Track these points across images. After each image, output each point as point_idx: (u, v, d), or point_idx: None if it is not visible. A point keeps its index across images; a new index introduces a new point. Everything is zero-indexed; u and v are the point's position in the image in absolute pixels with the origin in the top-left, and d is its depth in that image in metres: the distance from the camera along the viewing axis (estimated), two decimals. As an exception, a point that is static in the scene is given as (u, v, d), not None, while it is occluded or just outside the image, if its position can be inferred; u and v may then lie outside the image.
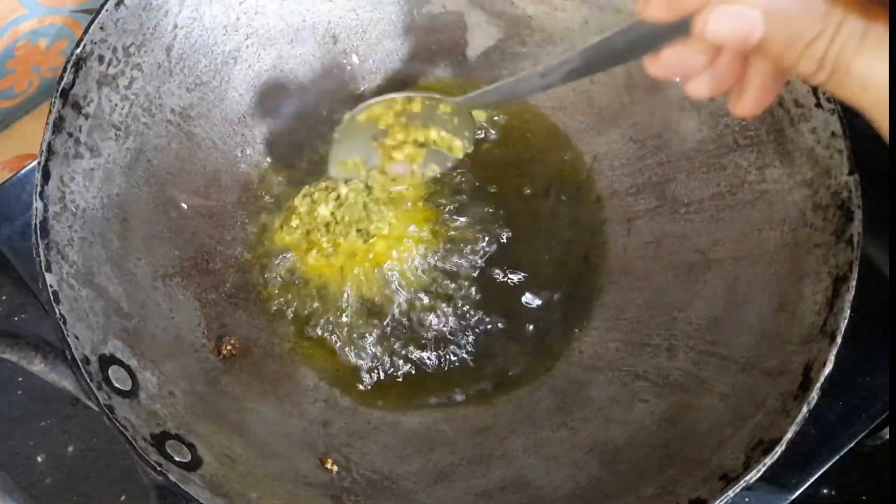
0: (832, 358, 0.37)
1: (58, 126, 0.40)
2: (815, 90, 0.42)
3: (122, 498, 0.50)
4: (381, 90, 0.54)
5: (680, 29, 0.27)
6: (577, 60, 0.33)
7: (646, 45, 0.29)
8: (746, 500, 0.48)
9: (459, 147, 0.46)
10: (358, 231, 0.49)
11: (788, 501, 0.48)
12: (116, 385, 0.38)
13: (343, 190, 0.49)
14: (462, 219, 0.50)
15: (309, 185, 0.50)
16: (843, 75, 0.24)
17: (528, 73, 0.37)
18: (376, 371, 0.47)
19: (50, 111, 0.40)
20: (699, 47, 0.28)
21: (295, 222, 0.49)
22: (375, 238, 0.49)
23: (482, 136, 0.52)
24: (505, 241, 0.50)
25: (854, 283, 0.38)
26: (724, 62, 0.28)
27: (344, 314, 0.48)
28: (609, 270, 0.49)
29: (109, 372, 0.38)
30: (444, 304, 0.48)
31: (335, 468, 0.43)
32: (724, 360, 0.42)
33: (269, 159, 0.52)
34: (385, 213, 0.49)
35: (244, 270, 0.49)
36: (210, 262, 0.48)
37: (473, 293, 0.49)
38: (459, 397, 0.47)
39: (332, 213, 0.49)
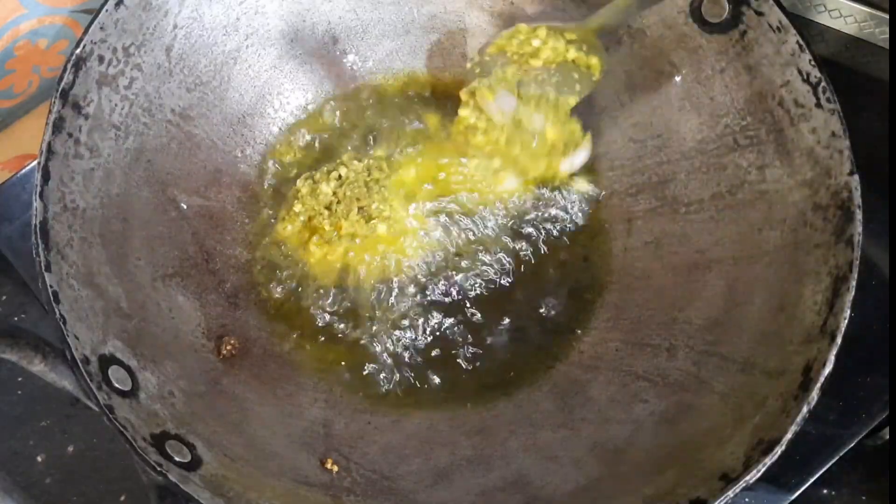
0: (832, 358, 0.37)
1: (58, 126, 0.40)
2: (815, 90, 0.42)
3: (122, 498, 0.50)
4: (380, 89, 0.54)
5: None
6: None
7: None
8: (746, 500, 0.48)
9: (597, 64, 0.46)
10: (360, 210, 0.49)
11: (788, 501, 0.48)
12: (116, 385, 0.38)
13: (343, 170, 0.50)
14: (461, 216, 0.50)
15: (311, 171, 0.51)
16: None
17: None
18: (376, 370, 0.47)
19: (50, 111, 0.40)
20: None
21: (298, 207, 0.49)
22: (377, 220, 0.49)
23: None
24: (505, 240, 0.50)
25: (854, 283, 0.38)
26: None
27: (344, 311, 0.48)
28: (609, 270, 0.49)
29: (109, 372, 0.38)
30: (443, 301, 0.48)
31: (335, 468, 0.43)
32: (724, 360, 0.42)
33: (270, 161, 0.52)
34: (386, 194, 0.49)
35: (244, 270, 0.49)
36: (210, 262, 0.48)
37: (473, 292, 0.49)
38: (459, 397, 0.47)
39: (335, 192, 0.49)
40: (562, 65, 0.46)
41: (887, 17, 0.57)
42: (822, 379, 0.37)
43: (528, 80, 0.47)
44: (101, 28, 0.42)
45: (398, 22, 0.53)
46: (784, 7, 0.43)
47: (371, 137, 0.52)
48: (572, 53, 0.46)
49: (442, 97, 0.54)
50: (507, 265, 0.49)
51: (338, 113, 0.53)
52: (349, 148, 0.52)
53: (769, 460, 0.36)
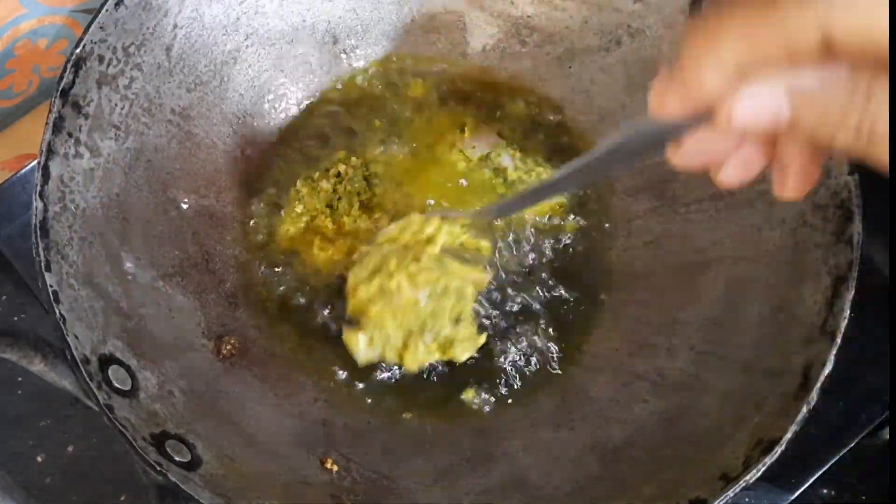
0: (832, 358, 0.37)
1: (58, 126, 0.40)
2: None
3: (122, 498, 0.50)
4: (380, 89, 0.54)
5: (701, 120, 0.25)
6: (593, 164, 0.31)
7: (666, 138, 0.27)
8: (746, 500, 0.48)
9: (487, 247, 0.45)
10: (360, 204, 0.49)
11: (788, 501, 0.48)
12: (116, 385, 0.38)
13: (342, 167, 0.50)
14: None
15: (310, 170, 0.51)
16: (881, 139, 0.22)
17: (543, 183, 0.37)
18: (376, 370, 0.47)
19: (50, 111, 0.40)
20: (723, 135, 0.26)
21: (299, 208, 0.50)
22: (380, 215, 0.49)
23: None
24: (504, 240, 0.50)
25: (854, 283, 0.38)
26: (752, 147, 0.27)
27: (345, 310, 0.48)
28: (609, 270, 0.49)
29: (109, 372, 0.38)
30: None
31: (335, 468, 0.43)
32: (724, 360, 0.42)
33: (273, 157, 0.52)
34: (386, 186, 0.50)
35: (244, 270, 0.49)
36: (210, 262, 0.48)
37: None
38: (459, 397, 0.47)
39: (335, 189, 0.50)
40: (457, 248, 0.45)
41: (887, 17, 0.57)
42: (822, 379, 0.37)
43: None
44: (101, 28, 0.42)
45: (398, 22, 0.53)
46: (784, 7, 0.43)
47: (369, 134, 0.53)
48: (464, 237, 0.45)
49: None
50: (507, 265, 0.49)
51: (336, 111, 0.53)
52: (347, 146, 0.52)
53: (769, 460, 0.36)
